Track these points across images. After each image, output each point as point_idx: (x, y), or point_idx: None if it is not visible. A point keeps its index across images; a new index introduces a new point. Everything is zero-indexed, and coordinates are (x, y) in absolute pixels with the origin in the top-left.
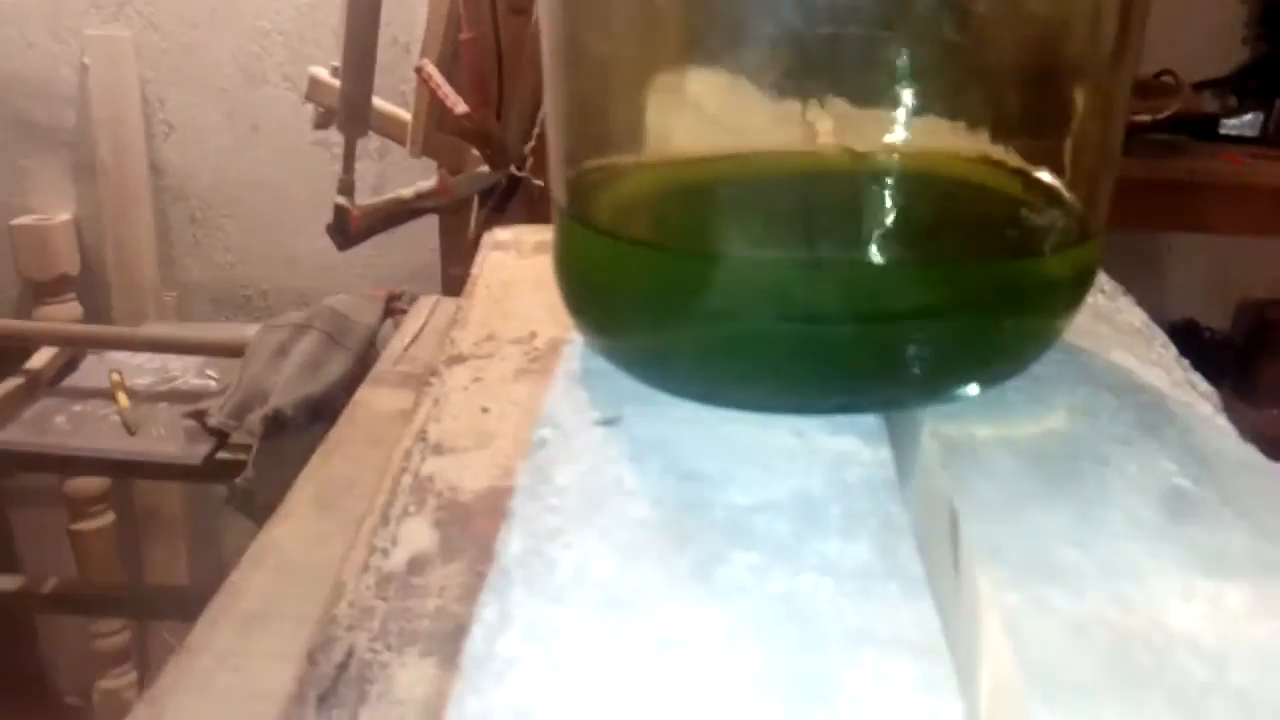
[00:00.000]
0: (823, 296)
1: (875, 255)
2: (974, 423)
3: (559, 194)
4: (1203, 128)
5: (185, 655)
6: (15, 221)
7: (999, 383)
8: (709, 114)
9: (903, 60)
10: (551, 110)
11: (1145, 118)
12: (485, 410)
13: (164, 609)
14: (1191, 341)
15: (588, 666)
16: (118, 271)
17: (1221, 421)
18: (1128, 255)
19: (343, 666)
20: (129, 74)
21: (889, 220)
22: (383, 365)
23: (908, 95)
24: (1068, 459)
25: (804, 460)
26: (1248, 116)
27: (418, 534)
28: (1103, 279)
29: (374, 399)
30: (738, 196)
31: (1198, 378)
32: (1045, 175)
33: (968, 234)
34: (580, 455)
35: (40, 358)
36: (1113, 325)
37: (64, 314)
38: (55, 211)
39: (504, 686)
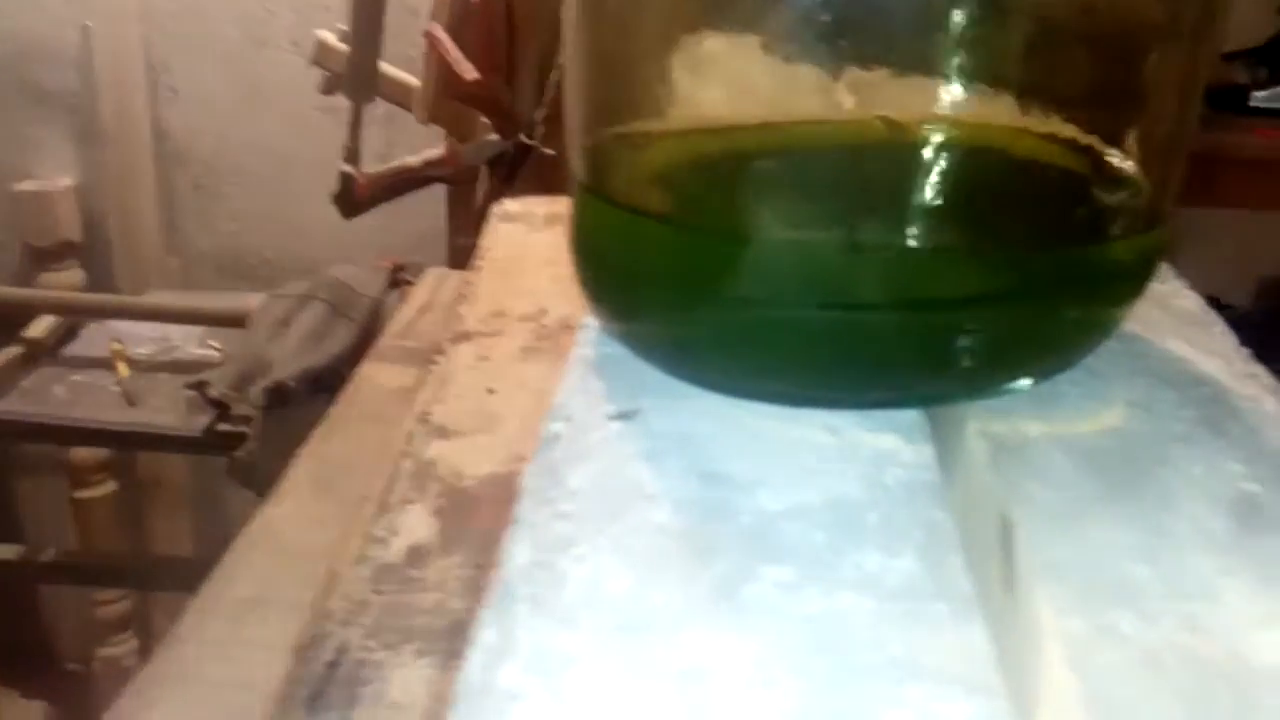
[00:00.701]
0: (863, 281)
1: (922, 236)
2: (1024, 419)
3: (576, 165)
4: (1232, 99)
5: (175, 643)
6: (17, 187)
7: (1052, 376)
8: (741, 78)
9: (956, 20)
10: (571, 71)
11: None
12: (491, 391)
13: (166, 580)
14: None
15: (598, 703)
16: (121, 238)
17: None
18: None
19: (333, 665)
20: (133, 37)
21: (938, 198)
22: (387, 340)
23: (960, 60)
24: (1127, 460)
25: (839, 460)
26: (1278, 89)
27: (417, 523)
28: None
29: (377, 375)
30: (771, 170)
31: (1260, 369)
32: (1114, 153)
33: (1025, 215)
34: (595, 453)
35: (40, 326)
36: (1168, 311)
37: (66, 281)
38: (57, 177)
39: None
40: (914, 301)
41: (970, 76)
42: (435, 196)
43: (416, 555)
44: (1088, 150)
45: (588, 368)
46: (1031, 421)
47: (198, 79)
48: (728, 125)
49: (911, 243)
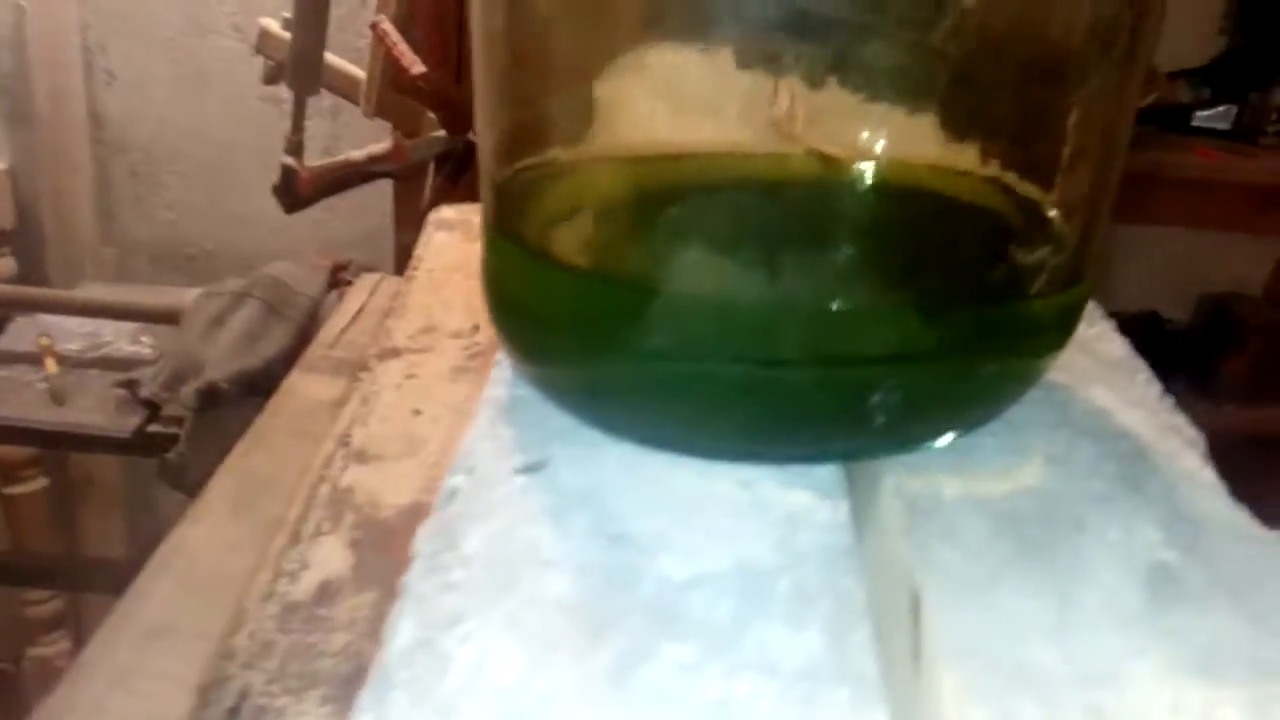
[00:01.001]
0: (781, 337)
1: (842, 291)
2: (941, 476)
3: (486, 203)
4: (1175, 118)
5: (79, 672)
6: None
7: (973, 430)
8: (661, 109)
9: (884, 56)
10: (480, 100)
11: None
12: (417, 413)
13: (97, 582)
14: (1152, 333)
15: None
16: (54, 226)
17: (1208, 475)
18: None
19: (234, 711)
20: (69, 18)
21: (860, 252)
22: (316, 350)
23: (889, 99)
24: (1043, 524)
25: (751, 520)
26: (1220, 109)
27: (331, 556)
28: None
29: (305, 386)
30: (686, 216)
31: (1182, 420)
32: (1040, 208)
33: (947, 271)
34: (495, 511)
35: None
36: (1093, 356)
37: None
38: None
39: None
40: (831, 358)
41: (897, 116)
42: (381, 191)
43: (327, 592)
44: (1012, 203)
45: (498, 411)
46: (949, 479)
47: (136, 63)
48: (644, 157)
49: (831, 298)
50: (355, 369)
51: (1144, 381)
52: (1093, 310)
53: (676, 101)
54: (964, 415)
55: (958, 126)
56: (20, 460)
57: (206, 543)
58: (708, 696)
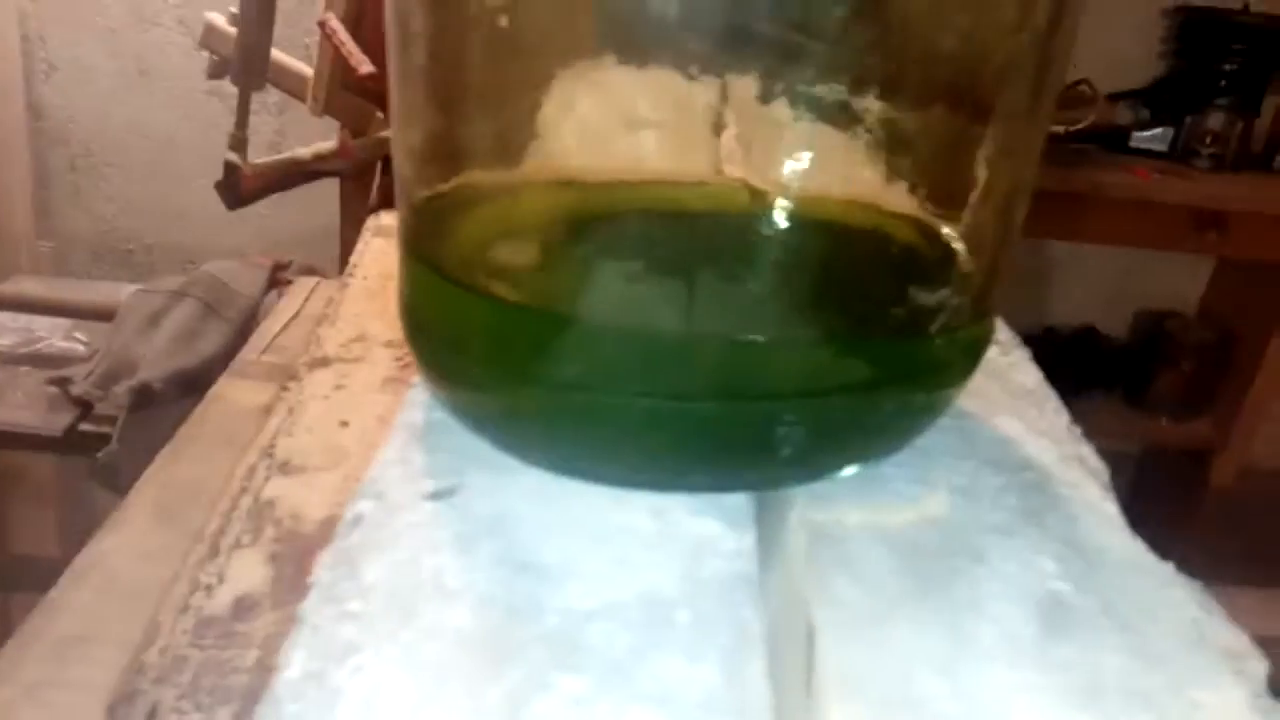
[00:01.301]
0: (691, 371)
1: (753, 328)
2: (846, 506)
3: (402, 225)
4: (1113, 139)
5: None
6: None
7: (880, 460)
8: (582, 136)
9: (803, 90)
10: (396, 118)
11: (1059, 128)
12: (344, 424)
13: (27, 580)
14: (1089, 348)
15: None
16: None
17: (1109, 507)
18: (1034, 259)
19: None
20: (8, 7)
21: (772, 286)
22: (248, 354)
23: (806, 134)
24: (942, 555)
25: (659, 549)
26: (1158, 130)
27: (249, 569)
28: (999, 329)
29: (235, 392)
30: (602, 246)
31: (1088, 450)
32: (947, 242)
33: (857, 305)
34: (400, 539)
35: None
36: (1005, 384)
37: None
38: None
39: None
40: (740, 393)
41: (819, 151)
42: (328, 190)
43: (244, 606)
44: (924, 239)
45: (411, 435)
46: (853, 509)
47: (77, 55)
48: (564, 184)
49: (741, 332)
50: (286, 376)
51: (1053, 411)
52: (1008, 339)
53: (596, 129)
54: (870, 446)
55: (875, 161)
56: None
57: (126, 552)
58: None
